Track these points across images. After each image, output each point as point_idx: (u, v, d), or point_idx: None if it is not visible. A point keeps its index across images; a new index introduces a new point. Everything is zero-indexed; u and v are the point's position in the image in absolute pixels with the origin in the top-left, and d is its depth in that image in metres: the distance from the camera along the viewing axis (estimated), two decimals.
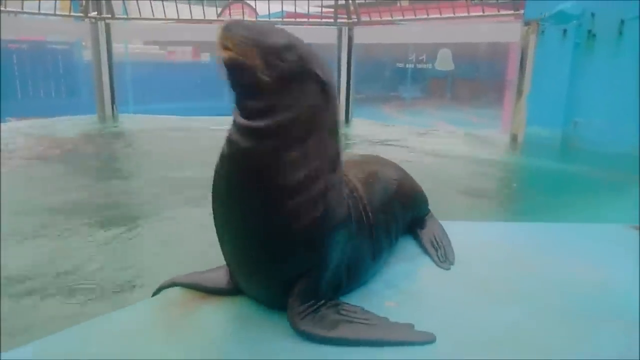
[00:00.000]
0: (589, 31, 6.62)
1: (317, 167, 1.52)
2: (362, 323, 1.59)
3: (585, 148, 6.59)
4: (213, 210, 1.66)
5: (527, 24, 7.20)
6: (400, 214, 2.15)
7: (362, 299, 1.77)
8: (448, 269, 2.07)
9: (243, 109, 1.51)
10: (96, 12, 9.55)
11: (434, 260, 2.13)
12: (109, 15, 9.65)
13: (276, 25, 1.57)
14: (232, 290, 1.78)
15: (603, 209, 4.28)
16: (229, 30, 1.43)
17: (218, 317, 1.69)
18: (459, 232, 2.38)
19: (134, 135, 8.35)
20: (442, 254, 2.17)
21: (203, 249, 2.43)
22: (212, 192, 1.63)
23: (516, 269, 2.10)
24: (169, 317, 1.69)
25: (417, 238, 2.34)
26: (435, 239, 2.27)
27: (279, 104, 1.47)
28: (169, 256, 3.23)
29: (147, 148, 7.38)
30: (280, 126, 1.47)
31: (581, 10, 6.63)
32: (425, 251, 2.22)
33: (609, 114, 6.46)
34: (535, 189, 5.46)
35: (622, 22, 6.34)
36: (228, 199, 1.57)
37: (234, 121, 1.54)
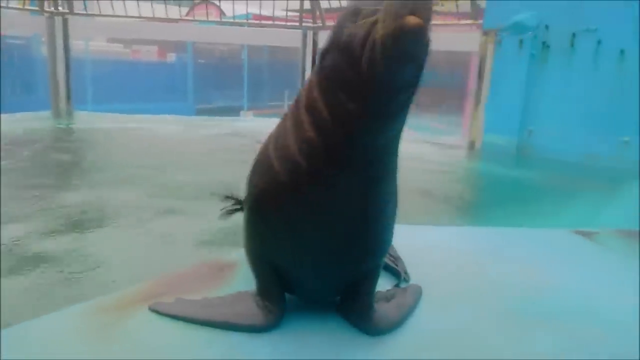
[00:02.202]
0: (544, 42, 6.82)
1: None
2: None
3: (538, 155, 6.78)
4: (270, 216, 1.49)
5: (485, 33, 7.37)
6: None
7: (308, 304, 1.72)
8: (408, 281, 1.99)
9: (384, 104, 1.29)
10: (52, 7, 9.25)
11: (394, 271, 2.04)
12: (67, 11, 9.36)
13: None
14: (270, 326, 1.55)
15: (553, 214, 4.39)
16: None
17: (151, 325, 1.58)
18: (406, 235, 2.33)
19: (82, 133, 8.09)
20: (402, 266, 2.08)
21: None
22: (283, 199, 1.44)
23: (459, 272, 2.11)
24: (97, 324, 1.57)
25: None
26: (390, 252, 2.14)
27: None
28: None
29: (92, 147, 7.14)
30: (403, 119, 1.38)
31: (536, 22, 6.83)
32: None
33: (561, 123, 6.67)
34: (488, 195, 5.57)
35: (574, 34, 6.57)
36: (329, 196, 1.40)
37: (337, 120, 1.32)
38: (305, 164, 1.38)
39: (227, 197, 1.98)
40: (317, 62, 1.38)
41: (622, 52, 6.22)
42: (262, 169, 1.50)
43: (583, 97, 6.50)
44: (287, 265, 1.54)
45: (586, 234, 2.66)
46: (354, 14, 1.27)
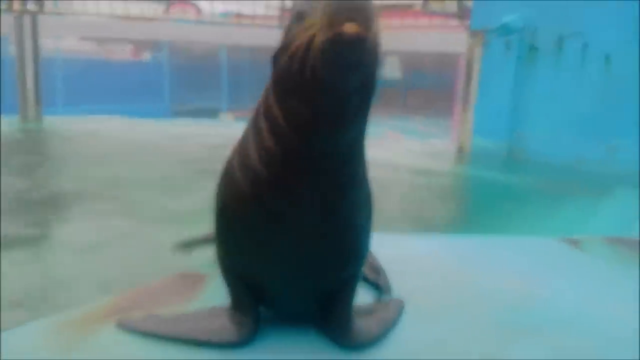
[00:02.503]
0: (531, 45, 6.80)
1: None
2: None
3: (527, 159, 6.76)
4: (236, 234, 1.46)
5: (472, 35, 7.31)
6: None
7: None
8: (390, 294, 1.91)
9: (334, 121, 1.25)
10: (21, 5, 8.83)
11: (378, 284, 1.95)
12: (36, 9, 8.94)
13: None
14: (243, 341, 1.49)
15: (543, 220, 4.39)
16: None
17: (119, 342, 1.51)
18: (389, 244, 2.27)
19: (47, 140, 7.83)
20: (384, 279, 1.98)
21: None
22: (243, 219, 1.42)
23: (443, 282, 2.08)
24: (61, 341, 1.50)
25: None
26: (371, 264, 2.07)
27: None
28: None
29: (55, 152, 6.88)
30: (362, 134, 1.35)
31: (523, 24, 6.81)
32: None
33: (549, 126, 6.66)
34: (477, 200, 5.55)
35: (561, 37, 6.56)
36: (297, 213, 1.36)
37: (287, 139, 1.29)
38: (266, 173, 1.34)
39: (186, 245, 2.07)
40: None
41: (608, 55, 6.24)
42: (227, 178, 1.47)
43: (570, 100, 6.50)
44: (257, 277, 1.50)
45: (572, 242, 2.66)
46: (298, 15, 1.22)
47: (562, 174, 6.04)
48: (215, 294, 1.73)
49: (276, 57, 1.28)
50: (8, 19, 8.91)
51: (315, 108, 1.24)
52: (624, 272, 2.29)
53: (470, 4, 7.68)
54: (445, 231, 4.26)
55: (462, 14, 8.02)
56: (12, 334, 1.55)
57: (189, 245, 2.22)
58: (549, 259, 2.44)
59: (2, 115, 8.86)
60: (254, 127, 1.39)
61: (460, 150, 7.46)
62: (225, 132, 8.58)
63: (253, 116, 1.41)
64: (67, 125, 8.51)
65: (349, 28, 1.09)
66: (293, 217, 1.36)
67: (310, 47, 1.14)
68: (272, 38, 1.34)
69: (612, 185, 5.43)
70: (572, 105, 6.48)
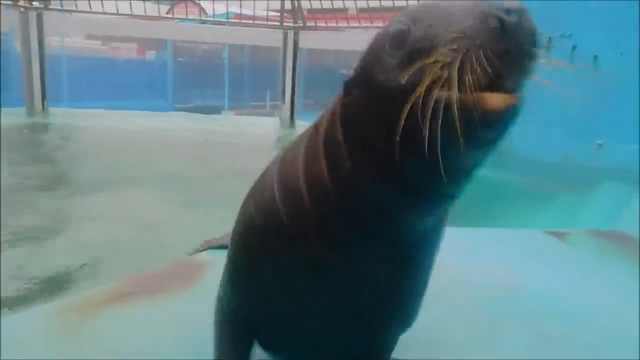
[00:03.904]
0: None
1: None
2: None
3: (515, 156, 6.88)
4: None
5: None
6: None
7: None
8: None
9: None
10: (27, 2, 9.04)
11: None
12: (41, 5, 9.16)
13: None
14: None
15: (530, 214, 4.49)
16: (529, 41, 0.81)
17: (118, 324, 1.58)
18: None
19: (50, 131, 8.01)
20: None
21: None
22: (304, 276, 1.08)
23: (435, 271, 2.13)
24: (64, 323, 1.56)
25: None
26: None
27: None
28: None
29: (59, 143, 7.05)
30: None
31: None
32: None
33: (538, 125, 6.78)
34: (467, 195, 5.65)
35: (550, 39, 6.69)
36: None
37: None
38: (315, 212, 1.01)
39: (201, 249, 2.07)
40: (342, 90, 0.99)
41: (595, 57, 6.35)
42: (260, 197, 1.13)
43: (558, 100, 6.61)
44: (276, 329, 1.22)
45: (557, 234, 2.71)
46: (398, 40, 0.87)
47: (548, 171, 6.14)
48: (216, 280, 1.68)
49: (352, 84, 0.95)
50: (14, 15, 9.12)
51: (398, 176, 0.91)
52: (607, 263, 2.38)
53: None
54: None
55: None
56: (14, 318, 1.65)
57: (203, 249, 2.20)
58: (535, 250, 2.53)
59: (7, 108, 9.11)
60: (311, 147, 1.06)
61: None
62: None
63: (311, 132, 1.09)
64: (70, 119, 8.68)
65: (497, 102, 0.80)
66: (341, 274, 1.05)
67: (424, 102, 0.79)
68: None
69: (596, 183, 5.51)
70: (560, 106, 6.60)
